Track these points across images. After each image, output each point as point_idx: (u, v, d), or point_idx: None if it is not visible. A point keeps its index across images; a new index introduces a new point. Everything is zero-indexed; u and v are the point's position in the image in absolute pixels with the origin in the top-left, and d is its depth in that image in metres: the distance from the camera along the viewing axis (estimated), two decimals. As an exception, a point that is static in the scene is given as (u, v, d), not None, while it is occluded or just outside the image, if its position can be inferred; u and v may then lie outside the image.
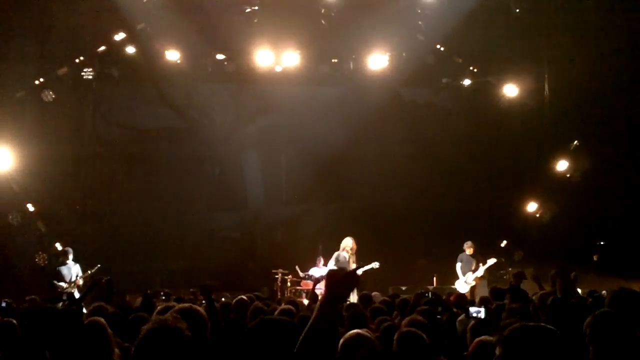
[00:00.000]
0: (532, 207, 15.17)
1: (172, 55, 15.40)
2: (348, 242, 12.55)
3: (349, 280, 2.43)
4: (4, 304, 6.75)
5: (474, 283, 12.97)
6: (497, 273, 14.01)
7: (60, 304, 8.09)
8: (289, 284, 14.05)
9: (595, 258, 14.50)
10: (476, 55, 15.53)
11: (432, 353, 4.30)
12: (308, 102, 16.81)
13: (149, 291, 10.01)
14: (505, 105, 15.65)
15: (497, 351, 2.31)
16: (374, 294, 9.94)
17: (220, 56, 15.49)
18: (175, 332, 2.59)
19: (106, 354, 3.09)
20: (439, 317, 6.37)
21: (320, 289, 11.76)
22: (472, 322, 5.30)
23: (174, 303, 4.75)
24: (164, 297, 9.91)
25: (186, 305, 3.26)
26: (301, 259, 14.43)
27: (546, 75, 15.16)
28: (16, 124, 14.04)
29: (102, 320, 3.40)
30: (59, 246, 13.48)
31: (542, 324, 2.32)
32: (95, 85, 15.76)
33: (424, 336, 4.19)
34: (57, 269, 12.04)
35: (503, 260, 14.32)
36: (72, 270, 12.03)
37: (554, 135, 15.02)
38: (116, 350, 3.88)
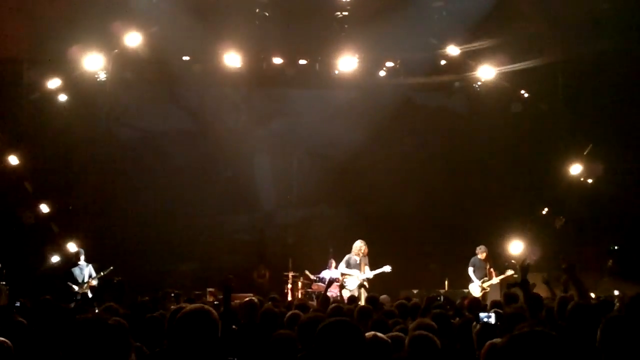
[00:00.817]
0: (545, 211, 15.07)
1: (185, 58, 15.46)
2: (359, 246, 12.54)
3: None
4: (17, 304, 6.79)
5: (488, 289, 12.92)
6: (510, 278, 13.94)
7: (73, 304, 8.13)
8: (300, 286, 14.05)
9: (609, 263, 14.39)
10: (489, 58, 15.45)
11: (445, 357, 4.28)
12: (320, 105, 16.81)
13: (160, 292, 10.06)
14: (519, 108, 15.57)
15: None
16: (382, 297, 9.92)
17: (233, 59, 15.51)
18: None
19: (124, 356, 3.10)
20: (452, 321, 6.33)
21: (332, 291, 11.76)
22: (478, 326, 5.27)
23: (185, 304, 4.76)
24: (173, 297, 9.93)
25: (197, 305, 3.26)
26: (312, 262, 14.43)
27: (559, 78, 15.08)
28: (31, 125, 14.15)
29: (124, 322, 3.41)
30: (72, 247, 13.55)
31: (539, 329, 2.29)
32: (109, 87, 15.85)
33: (436, 340, 4.17)
34: (70, 270, 12.12)
35: (517, 266, 14.22)
36: (85, 271, 12.11)
37: (568, 139, 14.92)
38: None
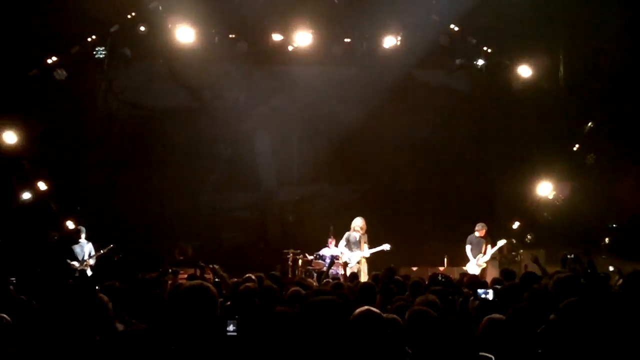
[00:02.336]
0: (545, 189, 15.03)
1: (185, 34, 15.34)
2: (358, 222, 12.55)
3: None
4: (13, 280, 6.75)
5: (484, 265, 12.93)
6: (508, 255, 13.99)
7: (72, 281, 8.15)
8: (300, 264, 14.09)
9: (606, 241, 14.43)
10: (490, 36, 15.36)
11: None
12: (320, 82, 16.72)
13: (160, 269, 10.09)
14: (520, 86, 15.50)
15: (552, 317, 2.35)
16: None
17: (232, 36, 15.42)
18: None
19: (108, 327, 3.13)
20: (450, 298, 6.35)
21: (334, 269, 11.81)
22: (476, 302, 5.29)
23: (184, 280, 4.77)
24: (172, 274, 9.95)
25: (197, 282, 3.26)
26: (312, 240, 14.46)
27: (561, 56, 14.99)
28: (28, 102, 14.08)
29: (104, 297, 3.44)
30: (70, 224, 13.57)
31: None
32: (107, 64, 15.77)
33: (435, 315, 4.18)
34: (70, 247, 12.15)
35: (514, 241, 14.27)
36: (85, 249, 12.14)
37: (569, 117, 14.88)
38: (118, 325, 3.92)
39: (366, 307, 3.98)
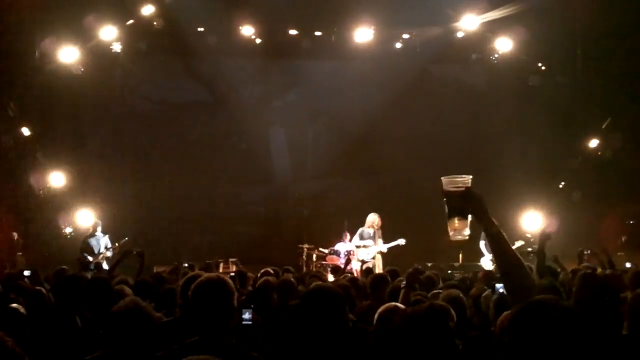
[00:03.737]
0: (560, 186, 14.96)
1: (201, 29, 15.38)
2: (373, 219, 12.55)
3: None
4: (27, 273, 6.79)
5: (499, 261, 12.86)
6: (523, 250, 13.89)
7: (89, 274, 8.21)
8: (314, 258, 14.10)
9: (623, 239, 14.31)
10: (507, 31, 15.23)
11: (459, 328, 4.27)
12: (336, 77, 16.68)
13: (176, 263, 10.14)
14: (537, 82, 15.37)
15: (506, 323, 2.27)
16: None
17: (248, 30, 15.43)
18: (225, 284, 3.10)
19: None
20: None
21: (350, 266, 11.80)
22: (496, 296, 5.25)
23: (201, 272, 4.79)
24: (187, 268, 10.00)
25: (213, 275, 3.27)
26: (327, 234, 14.46)
27: (578, 51, 14.84)
28: (44, 96, 14.17)
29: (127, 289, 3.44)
30: (86, 218, 13.66)
31: (557, 298, 2.24)
32: (123, 58, 15.84)
33: (451, 310, 4.16)
34: (86, 240, 12.25)
35: (531, 239, 14.17)
36: (101, 242, 12.24)
37: (586, 113, 14.74)
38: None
39: (393, 303, 4.00)
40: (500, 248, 2.61)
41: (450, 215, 2.65)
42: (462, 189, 2.64)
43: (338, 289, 3.12)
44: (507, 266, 2.61)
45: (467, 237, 2.75)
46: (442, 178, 2.75)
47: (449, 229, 2.73)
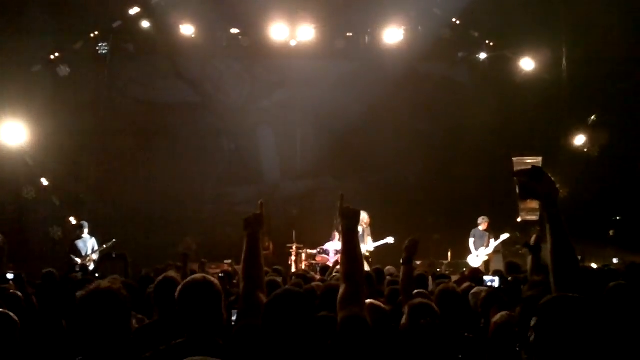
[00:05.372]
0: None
1: (187, 29, 15.36)
2: (362, 217, 12.54)
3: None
4: (10, 276, 6.68)
5: (486, 258, 12.95)
6: (512, 248, 13.96)
7: (75, 275, 8.17)
8: (303, 258, 14.10)
9: (611, 233, 14.40)
10: (492, 29, 15.31)
11: (445, 326, 4.29)
12: (323, 76, 16.71)
13: (170, 263, 10.08)
14: (522, 79, 15.45)
15: (533, 321, 2.28)
16: (387, 268, 9.94)
17: (235, 30, 15.42)
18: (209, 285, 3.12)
19: (124, 324, 3.11)
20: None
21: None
22: (484, 292, 5.29)
23: (175, 275, 4.75)
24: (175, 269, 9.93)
25: (199, 276, 3.26)
26: (316, 234, 14.46)
27: (564, 48, 14.93)
28: (31, 98, 14.10)
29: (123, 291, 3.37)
30: (73, 220, 13.61)
31: (579, 296, 2.27)
32: (110, 59, 15.78)
33: (436, 308, 4.18)
34: (73, 242, 12.20)
35: (518, 234, 14.24)
36: (88, 244, 12.19)
37: (572, 109, 14.83)
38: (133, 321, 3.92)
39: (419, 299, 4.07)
40: (562, 234, 2.62)
41: (523, 196, 2.65)
42: (534, 169, 2.65)
43: (299, 291, 3.14)
44: (564, 254, 2.62)
45: (537, 218, 2.81)
46: (513, 158, 2.82)
47: (520, 209, 2.80)
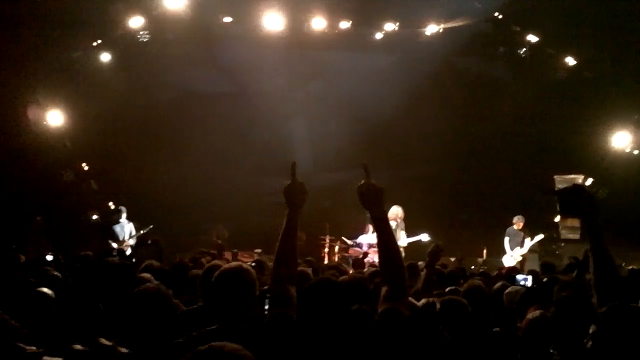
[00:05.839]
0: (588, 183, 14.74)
1: (226, 19, 15.42)
2: (396, 211, 12.49)
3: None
4: (50, 257, 6.80)
5: (520, 258, 12.77)
6: (548, 247, 13.76)
7: (112, 259, 8.28)
8: (336, 250, 14.09)
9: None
10: (534, 24, 15.04)
11: (477, 323, 4.25)
12: (358, 68, 16.61)
13: (203, 250, 10.19)
14: (564, 76, 15.17)
15: (592, 329, 2.28)
16: (420, 263, 9.88)
17: (272, 21, 15.43)
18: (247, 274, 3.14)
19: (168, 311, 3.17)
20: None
21: (371, 257, 11.75)
22: (521, 290, 5.22)
23: (221, 262, 4.80)
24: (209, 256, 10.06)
25: (235, 264, 3.28)
26: (349, 226, 14.43)
27: (607, 45, 14.60)
28: (72, 83, 14.32)
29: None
30: (111, 205, 13.80)
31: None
32: (149, 47, 15.93)
33: (467, 304, 4.15)
34: (111, 227, 12.38)
35: (555, 235, 14.03)
36: (125, 229, 12.35)
37: (615, 108, 14.50)
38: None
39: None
40: (603, 250, 2.61)
41: (564, 213, 2.66)
42: (575, 187, 2.66)
43: (336, 281, 3.12)
44: (606, 270, 2.62)
45: (578, 237, 2.85)
46: (555, 176, 2.85)
47: (560, 227, 2.82)
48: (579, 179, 11.22)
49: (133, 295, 3.22)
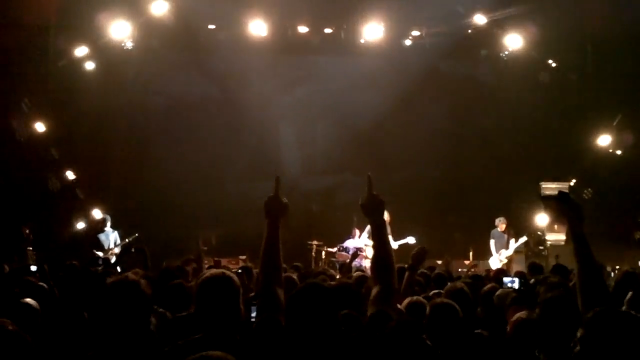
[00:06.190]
0: (571, 184, 14.86)
1: (211, 25, 15.42)
2: (382, 215, 12.47)
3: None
4: (34, 268, 6.71)
5: (506, 260, 12.83)
6: (535, 248, 13.84)
7: (99, 268, 8.24)
8: (323, 255, 14.08)
9: (637, 236, 14.21)
10: (517, 27, 15.15)
11: (467, 326, 4.25)
12: (345, 73, 16.66)
13: (190, 257, 10.12)
14: (547, 79, 15.28)
15: (579, 333, 2.30)
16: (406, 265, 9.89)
17: (258, 26, 15.44)
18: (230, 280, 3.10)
19: (144, 316, 3.11)
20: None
21: (356, 261, 11.76)
22: (512, 294, 5.23)
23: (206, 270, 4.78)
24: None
25: (218, 271, 3.26)
26: (336, 231, 14.43)
27: (589, 48, 14.75)
28: (58, 92, 14.26)
29: (143, 282, 3.35)
30: (97, 213, 13.72)
31: (628, 310, 2.30)
32: (135, 55, 15.89)
33: (458, 308, 4.14)
34: (96, 235, 12.31)
35: (540, 234, 14.09)
36: (110, 237, 12.30)
37: (597, 109, 14.64)
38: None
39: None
40: (587, 255, 2.65)
41: (550, 219, 2.76)
42: (560, 194, 2.72)
43: (325, 285, 3.14)
44: (590, 274, 2.67)
45: (564, 243, 2.90)
46: (541, 183, 2.91)
47: (546, 232, 2.87)
48: (565, 186, 11.33)
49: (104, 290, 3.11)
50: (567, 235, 12.55)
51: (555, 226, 13.06)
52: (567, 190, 2.85)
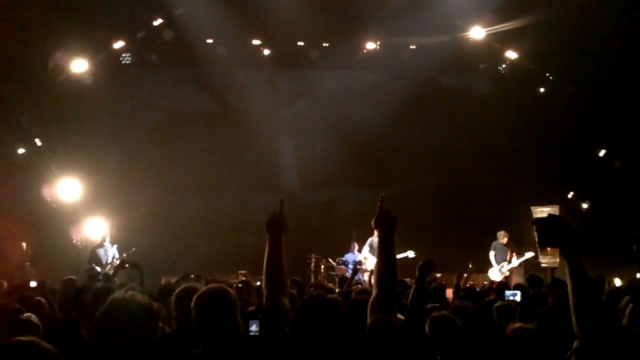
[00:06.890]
0: (569, 196, 14.92)
1: (210, 40, 15.49)
2: (381, 228, 12.46)
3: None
4: (33, 284, 6.77)
5: (508, 273, 12.80)
6: (534, 261, 13.80)
7: (99, 284, 8.21)
8: (322, 269, 14.05)
9: (635, 248, 14.21)
10: (514, 41, 15.23)
11: (468, 340, 4.25)
12: (344, 87, 16.73)
13: (187, 273, 10.09)
14: (544, 92, 15.34)
15: (575, 344, 2.31)
16: (407, 279, 9.88)
17: (257, 41, 15.53)
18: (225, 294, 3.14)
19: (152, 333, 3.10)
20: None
21: (359, 276, 11.72)
22: (517, 308, 5.23)
23: (194, 284, 4.75)
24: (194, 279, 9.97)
25: (215, 285, 3.26)
26: (335, 244, 14.41)
27: (586, 61, 14.81)
28: (56, 107, 14.28)
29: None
30: (96, 228, 13.69)
31: (627, 326, 2.32)
32: (134, 70, 15.95)
33: (458, 321, 4.14)
34: (94, 251, 12.29)
35: (543, 252, 14.06)
36: (109, 253, 12.28)
37: (595, 122, 14.67)
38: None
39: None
40: (581, 276, 2.66)
41: (542, 244, 2.73)
42: (552, 216, 2.73)
43: (329, 298, 3.15)
44: (584, 297, 2.67)
45: (557, 265, 2.89)
46: (531, 207, 2.93)
47: (540, 256, 2.88)
48: (555, 209, 11.41)
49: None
50: (560, 260, 12.55)
51: (548, 251, 12.99)
52: (557, 213, 2.88)
